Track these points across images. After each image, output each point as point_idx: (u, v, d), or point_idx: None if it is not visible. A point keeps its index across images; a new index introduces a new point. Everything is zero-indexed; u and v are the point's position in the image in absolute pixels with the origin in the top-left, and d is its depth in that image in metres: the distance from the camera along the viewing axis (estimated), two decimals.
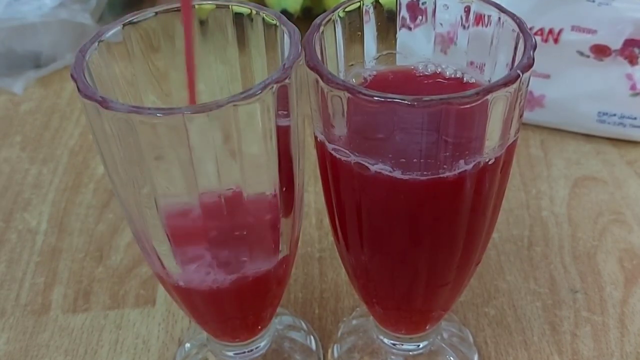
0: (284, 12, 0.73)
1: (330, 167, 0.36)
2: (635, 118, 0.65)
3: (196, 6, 0.37)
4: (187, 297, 0.40)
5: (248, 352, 0.46)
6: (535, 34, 0.63)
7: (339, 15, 0.36)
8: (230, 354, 0.46)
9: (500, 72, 0.36)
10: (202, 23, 0.38)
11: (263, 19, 0.37)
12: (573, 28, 0.63)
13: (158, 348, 0.50)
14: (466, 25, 0.37)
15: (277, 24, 0.36)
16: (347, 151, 0.33)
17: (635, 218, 0.59)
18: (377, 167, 0.33)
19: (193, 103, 0.35)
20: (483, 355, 0.48)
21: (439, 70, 0.39)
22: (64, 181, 0.65)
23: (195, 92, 0.35)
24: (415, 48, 0.39)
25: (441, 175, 0.32)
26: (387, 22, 0.38)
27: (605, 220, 0.59)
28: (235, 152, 0.33)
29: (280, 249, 0.38)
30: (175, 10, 0.37)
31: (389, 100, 0.30)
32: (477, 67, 0.38)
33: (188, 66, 0.34)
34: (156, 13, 0.36)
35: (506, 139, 0.33)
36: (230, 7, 0.37)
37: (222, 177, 0.33)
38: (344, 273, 0.54)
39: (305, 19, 0.78)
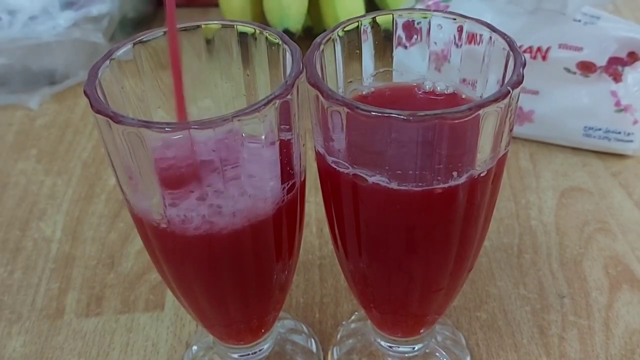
0: (286, 31, 0.73)
1: (330, 179, 0.36)
2: (619, 132, 0.65)
3: (203, 26, 0.37)
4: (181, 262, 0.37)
5: (252, 354, 0.46)
6: (525, 52, 0.63)
7: (338, 35, 0.36)
8: (235, 356, 0.46)
9: (491, 88, 0.36)
10: (209, 42, 0.38)
11: (266, 38, 0.37)
12: (560, 46, 0.63)
13: (167, 350, 0.50)
14: (459, 43, 0.37)
15: (280, 42, 0.36)
16: (346, 164, 0.33)
17: (619, 227, 0.58)
18: (375, 179, 0.32)
19: (182, 118, 0.35)
20: (475, 357, 0.48)
21: (433, 86, 0.39)
22: (77, 192, 0.65)
23: (184, 107, 0.35)
24: (411, 66, 0.39)
25: (435, 187, 0.32)
26: (384, 41, 0.38)
27: (590, 229, 0.58)
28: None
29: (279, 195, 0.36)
30: (182, 30, 0.37)
31: (385, 115, 0.30)
32: (469, 83, 0.38)
33: (175, 79, 0.34)
34: (165, 32, 0.36)
35: (497, 152, 0.33)
36: (235, 26, 0.37)
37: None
38: (343, 279, 0.54)
39: (306, 38, 0.78)
